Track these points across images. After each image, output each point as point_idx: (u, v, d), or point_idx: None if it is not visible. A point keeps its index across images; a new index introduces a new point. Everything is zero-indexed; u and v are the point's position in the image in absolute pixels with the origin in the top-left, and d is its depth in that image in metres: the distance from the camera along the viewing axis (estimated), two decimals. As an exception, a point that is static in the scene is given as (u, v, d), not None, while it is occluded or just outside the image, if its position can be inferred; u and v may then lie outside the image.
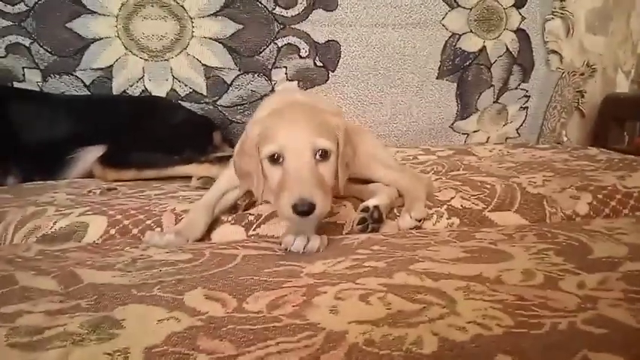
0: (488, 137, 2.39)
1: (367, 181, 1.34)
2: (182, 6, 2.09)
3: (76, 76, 2.05)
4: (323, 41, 2.20)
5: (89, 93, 2.07)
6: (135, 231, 1.15)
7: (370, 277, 0.78)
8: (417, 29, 2.26)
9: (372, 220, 1.17)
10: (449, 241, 1.03)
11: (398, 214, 1.25)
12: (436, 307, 0.66)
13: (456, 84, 2.32)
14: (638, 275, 0.79)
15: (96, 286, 0.74)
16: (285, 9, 2.16)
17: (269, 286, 0.74)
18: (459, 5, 2.27)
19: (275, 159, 1.02)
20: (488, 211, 1.29)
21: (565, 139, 2.42)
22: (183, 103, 2.11)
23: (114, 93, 2.08)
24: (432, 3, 2.25)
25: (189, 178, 1.63)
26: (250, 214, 1.21)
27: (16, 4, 1.99)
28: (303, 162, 0.99)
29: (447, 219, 1.26)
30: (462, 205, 1.29)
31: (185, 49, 2.11)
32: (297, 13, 2.17)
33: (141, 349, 0.54)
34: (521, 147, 2.14)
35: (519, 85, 2.37)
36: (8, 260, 0.87)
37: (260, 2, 2.14)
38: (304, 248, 0.99)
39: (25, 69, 2.01)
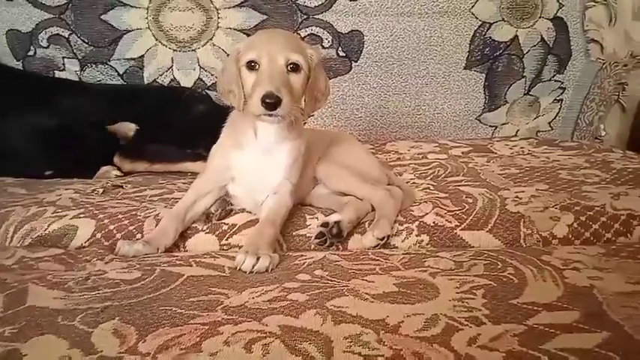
0: (518, 130, 2.31)
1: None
2: (208, -3, 2.16)
3: (110, 65, 2.19)
4: (346, 31, 2.20)
5: (122, 82, 2.20)
6: (118, 236, 1.26)
7: (279, 315, 0.84)
8: (445, 18, 2.20)
9: (331, 236, 1.21)
10: (394, 268, 1.06)
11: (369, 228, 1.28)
12: (304, 362, 0.71)
13: (484, 75, 2.26)
14: (538, 331, 0.79)
15: (32, 310, 0.85)
16: (309, -1, 2.17)
17: (178, 321, 0.81)
18: (490, -8, 2.18)
19: (252, 66, 1.18)
20: (461, 230, 1.29)
21: (603, 133, 2.30)
22: (210, 92, 2.20)
23: (145, 82, 2.20)
24: (461, -10, 2.18)
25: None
26: (225, 223, 1.29)
27: (57, -3, 2.13)
28: (275, 66, 1.16)
29: (417, 236, 1.28)
30: (434, 222, 1.30)
31: (211, 39, 2.19)
32: (320, 3, 2.18)
33: (18, 391, 0.64)
34: (545, 144, 2.07)
35: (554, 76, 2.27)
36: (-15, 271, 1.01)
37: (283, -8, 2.16)
38: (253, 267, 1.06)
39: (64, 59, 2.17)
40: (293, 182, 1.28)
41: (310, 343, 0.76)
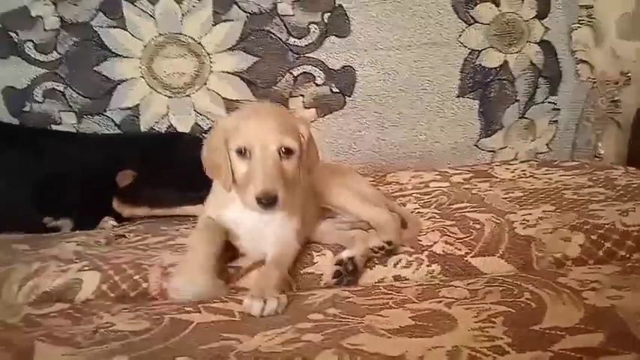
0: (517, 153, 2.31)
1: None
2: (199, 43, 2.18)
3: (106, 115, 2.19)
4: (338, 67, 2.22)
5: (119, 131, 2.20)
6: (124, 287, 1.24)
7: (294, 358, 0.82)
8: (434, 48, 2.22)
9: (347, 273, 1.19)
10: (408, 300, 1.04)
11: (377, 262, 1.26)
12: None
13: (478, 101, 2.26)
14: (565, 357, 0.77)
15: (40, 368, 0.82)
16: (299, 39, 2.20)
17: (191, 372, 0.79)
18: (476, 21, 2.21)
19: (242, 153, 1.13)
20: (471, 257, 1.27)
21: (602, 151, 2.30)
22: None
23: (142, 130, 2.20)
24: (448, 21, 2.21)
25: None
26: (230, 266, 1.27)
27: (49, 52, 2.15)
28: (268, 156, 1.11)
29: (427, 266, 1.26)
30: (443, 251, 1.28)
31: (205, 84, 2.20)
32: (310, 41, 2.20)
33: None
34: (545, 166, 2.06)
35: (547, 98, 2.28)
36: (-10, 331, 0.98)
37: (274, 34, 2.19)
38: (262, 311, 1.03)
39: (60, 112, 2.17)
40: (297, 228, 1.27)
41: (331, 386, 0.73)
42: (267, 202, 1.07)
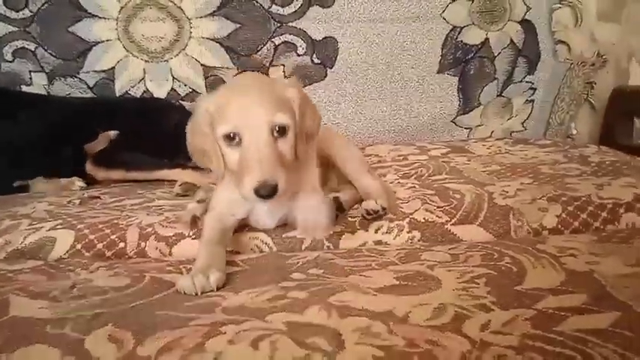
0: (492, 132, 2.34)
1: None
2: (180, 7, 2.13)
3: (80, 78, 2.13)
4: (320, 38, 2.19)
5: (93, 95, 2.14)
6: (100, 246, 1.21)
7: (282, 312, 0.81)
8: (417, 23, 2.22)
9: None
10: (391, 262, 1.04)
11: (358, 227, 1.26)
12: (317, 356, 0.68)
13: (457, 78, 2.28)
14: (549, 315, 0.78)
15: (16, 321, 0.79)
16: (282, 7, 2.17)
17: (176, 324, 0.77)
18: (460, -3, 2.21)
19: (231, 138, 1.01)
20: (452, 225, 1.28)
21: (574, 132, 2.35)
22: (184, 103, 2.16)
23: (117, 94, 2.15)
24: (432, -5, 2.20)
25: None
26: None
27: (21, 9, 2.06)
28: (261, 141, 0.99)
29: (408, 232, 1.26)
30: (424, 219, 1.29)
31: (184, 49, 2.15)
32: (293, 10, 2.17)
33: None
34: (520, 143, 2.09)
35: (525, 77, 2.31)
36: (-39, 285, 0.94)
37: (256, 1, 2.16)
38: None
39: (31, 73, 2.10)
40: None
41: (319, 337, 0.73)
42: (267, 193, 0.97)
